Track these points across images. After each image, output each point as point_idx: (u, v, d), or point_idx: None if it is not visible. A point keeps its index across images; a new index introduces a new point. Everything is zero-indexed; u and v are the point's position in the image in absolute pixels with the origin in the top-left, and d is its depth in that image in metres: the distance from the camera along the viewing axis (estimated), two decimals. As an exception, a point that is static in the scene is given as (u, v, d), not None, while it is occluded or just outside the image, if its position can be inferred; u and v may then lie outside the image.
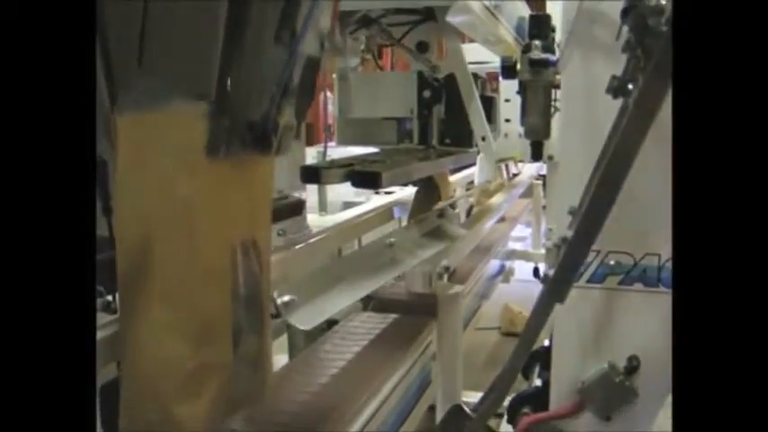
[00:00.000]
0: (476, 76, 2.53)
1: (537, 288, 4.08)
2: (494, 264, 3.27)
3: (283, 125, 1.10)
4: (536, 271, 3.96)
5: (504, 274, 3.42)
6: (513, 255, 3.55)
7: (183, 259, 1.04)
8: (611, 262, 1.46)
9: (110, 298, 1.34)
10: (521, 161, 3.25)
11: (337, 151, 2.67)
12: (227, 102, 1.01)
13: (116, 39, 1.04)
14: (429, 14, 2.21)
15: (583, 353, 1.50)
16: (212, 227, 1.05)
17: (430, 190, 2.47)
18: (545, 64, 1.70)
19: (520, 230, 3.90)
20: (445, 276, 1.64)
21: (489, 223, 2.46)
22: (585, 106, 1.46)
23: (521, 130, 2.94)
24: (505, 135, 2.90)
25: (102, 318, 1.32)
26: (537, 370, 2.01)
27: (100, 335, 1.20)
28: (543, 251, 3.60)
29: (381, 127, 2.49)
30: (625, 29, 1.24)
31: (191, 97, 1.00)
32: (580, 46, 1.45)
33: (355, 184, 1.65)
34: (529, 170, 3.46)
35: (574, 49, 1.45)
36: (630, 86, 1.20)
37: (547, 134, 1.81)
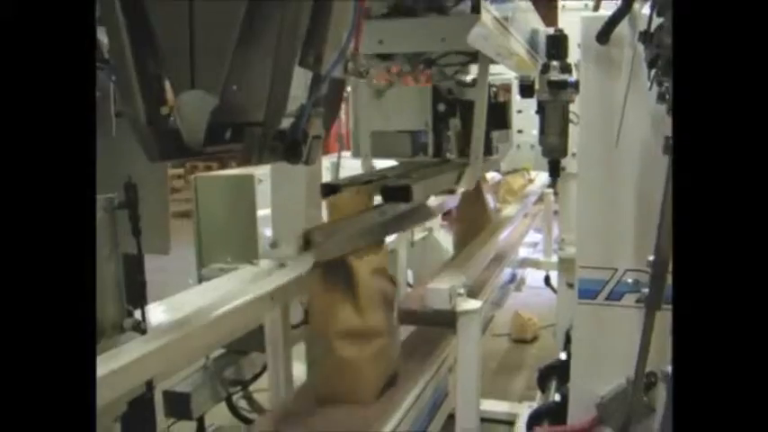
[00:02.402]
0: (489, 85, 2.55)
1: (545, 294, 4.10)
2: (506, 272, 3.29)
3: (312, 135, 1.13)
4: (547, 279, 4.00)
5: (516, 282, 3.43)
6: (524, 263, 3.57)
7: None
8: (629, 280, 1.49)
9: (139, 317, 1.37)
10: (531, 171, 3.28)
11: (348, 163, 2.71)
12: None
13: (168, 63, 1.09)
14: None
15: (600, 369, 1.53)
16: None
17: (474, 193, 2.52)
18: (564, 85, 1.72)
19: (530, 236, 3.92)
20: (464, 291, 1.67)
21: (505, 234, 2.48)
22: (602, 121, 1.49)
23: (533, 140, 2.98)
24: (518, 146, 2.93)
25: (131, 337, 1.36)
26: (554, 384, 2.03)
27: (131, 357, 1.24)
28: (554, 259, 3.64)
29: (396, 140, 2.52)
30: (641, 48, 1.28)
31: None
32: (597, 64, 1.48)
33: (387, 199, 1.68)
34: (540, 179, 3.48)
35: (590, 67, 1.49)
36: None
37: (564, 152, 1.84)
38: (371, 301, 1.57)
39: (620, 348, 1.52)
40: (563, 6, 3.01)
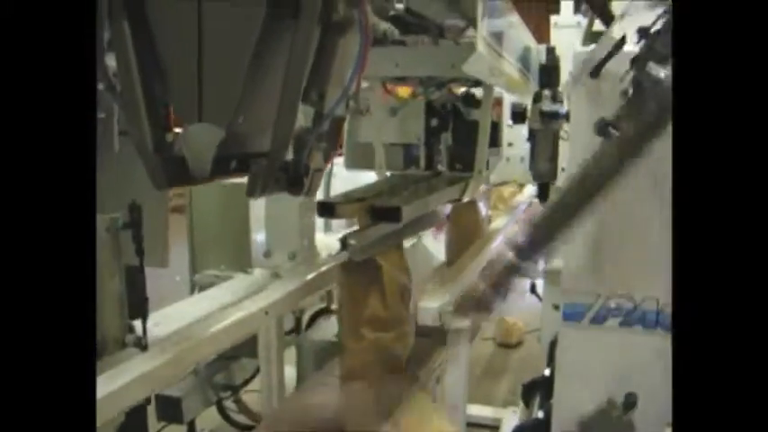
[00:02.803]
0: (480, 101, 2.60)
1: (530, 299, 4.12)
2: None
3: (314, 168, 1.18)
4: (533, 287, 4.06)
5: (502, 290, 3.50)
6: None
7: None
8: (612, 305, 1.55)
9: (140, 333, 1.42)
10: (521, 184, 3.34)
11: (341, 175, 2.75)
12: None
13: (174, 89, 1.13)
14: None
15: (583, 389, 1.59)
16: None
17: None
18: (555, 116, 1.78)
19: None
20: (453, 309, 1.72)
21: (495, 245, 2.53)
22: (590, 141, 1.54)
23: (523, 153, 3.03)
24: (507, 159, 2.98)
25: (132, 353, 1.41)
26: (538, 400, 2.09)
27: (133, 375, 1.28)
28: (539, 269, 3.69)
29: (388, 152, 2.57)
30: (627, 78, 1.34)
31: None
32: (588, 97, 1.53)
33: (375, 219, 1.73)
34: (528, 190, 3.54)
35: (581, 93, 1.54)
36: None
37: (554, 177, 1.90)
38: (394, 294, 1.75)
39: (602, 370, 1.58)
40: (555, 23, 3.07)
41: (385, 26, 1.19)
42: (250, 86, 1.10)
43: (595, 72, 1.44)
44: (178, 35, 1.12)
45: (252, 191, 1.08)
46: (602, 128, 1.29)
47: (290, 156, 1.16)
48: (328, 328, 2.48)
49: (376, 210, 1.72)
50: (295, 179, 1.13)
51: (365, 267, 1.74)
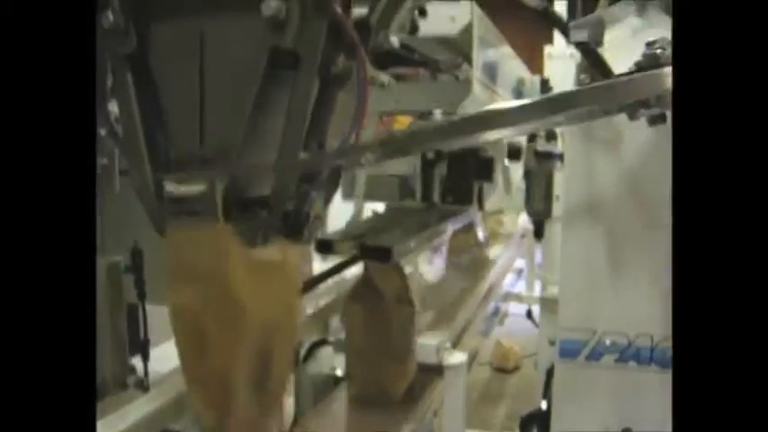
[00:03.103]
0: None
1: (526, 323, 4.16)
2: (491, 305, 3.37)
3: (314, 216, 1.20)
4: (529, 313, 4.08)
5: (499, 316, 3.51)
6: (507, 297, 3.65)
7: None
8: (608, 342, 1.57)
9: (142, 374, 1.44)
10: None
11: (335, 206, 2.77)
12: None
13: (175, 135, 1.15)
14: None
15: (580, 424, 1.61)
16: (256, 324, 1.15)
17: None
18: (549, 156, 1.81)
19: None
20: (450, 345, 1.75)
21: (492, 274, 2.57)
22: (586, 168, 1.56)
23: (518, 182, 3.06)
24: (504, 188, 3.01)
25: (135, 395, 1.43)
26: (535, 433, 2.11)
27: (136, 416, 1.30)
28: (536, 294, 3.71)
29: (385, 183, 2.60)
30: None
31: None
32: (582, 140, 1.56)
33: (365, 258, 1.75)
34: (523, 218, 3.58)
35: (576, 143, 1.57)
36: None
37: (548, 215, 1.93)
38: (400, 324, 1.82)
39: (599, 405, 1.60)
40: (549, 54, 3.11)
41: (384, 78, 1.20)
42: (251, 135, 1.11)
43: (588, 112, 1.46)
44: (180, 85, 1.14)
45: (252, 240, 1.10)
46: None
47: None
48: (326, 360, 2.49)
49: (367, 249, 1.74)
50: (295, 227, 1.14)
51: (371, 297, 1.81)
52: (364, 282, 1.86)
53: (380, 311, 1.81)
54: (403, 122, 2.77)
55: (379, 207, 2.87)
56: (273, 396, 1.23)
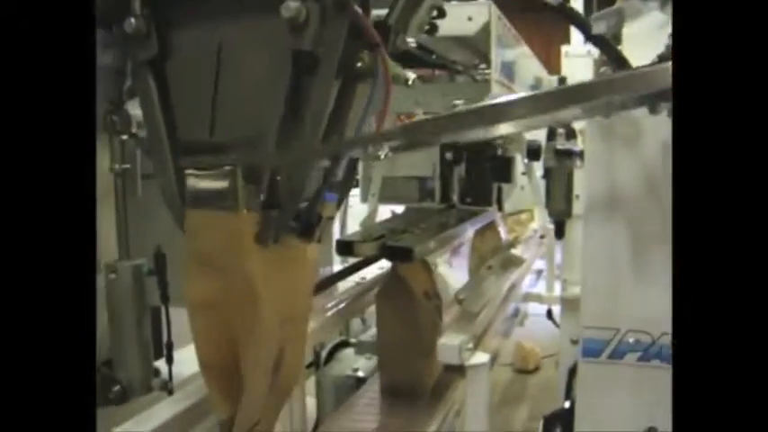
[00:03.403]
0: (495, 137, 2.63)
1: (547, 323, 4.14)
2: (511, 306, 3.36)
3: (326, 217, 1.20)
4: (549, 313, 4.06)
5: (519, 317, 3.51)
6: (527, 297, 3.64)
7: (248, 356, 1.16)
8: (631, 340, 1.56)
9: (166, 377, 1.45)
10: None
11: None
12: (277, 194, 1.11)
13: (187, 134, 1.15)
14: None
15: (604, 423, 1.60)
16: (268, 317, 1.15)
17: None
18: (569, 154, 1.80)
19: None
20: (472, 345, 1.75)
21: (514, 276, 2.56)
22: (606, 165, 1.55)
23: (538, 181, 3.06)
24: (522, 188, 3.00)
25: (159, 397, 1.43)
26: (559, 432, 2.10)
27: (161, 419, 1.30)
28: (556, 294, 3.70)
29: (404, 185, 2.60)
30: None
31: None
32: (602, 137, 1.56)
33: (388, 259, 1.76)
34: (542, 218, 3.57)
35: (596, 140, 1.56)
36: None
37: (569, 215, 1.92)
38: (427, 321, 1.95)
39: (623, 404, 1.59)
40: (566, 53, 3.10)
41: (408, 75, 1.20)
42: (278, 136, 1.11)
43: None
44: (198, 88, 1.14)
45: (264, 239, 1.10)
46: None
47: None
48: (347, 362, 2.50)
49: (388, 250, 1.75)
50: (306, 228, 1.15)
51: (400, 292, 1.91)
52: (393, 277, 1.95)
53: (410, 306, 1.92)
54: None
55: (394, 210, 2.89)
56: (282, 392, 1.24)
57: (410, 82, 1.16)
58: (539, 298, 3.75)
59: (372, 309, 2.48)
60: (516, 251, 2.88)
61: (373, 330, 2.79)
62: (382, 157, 1.25)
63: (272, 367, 1.19)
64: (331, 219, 1.23)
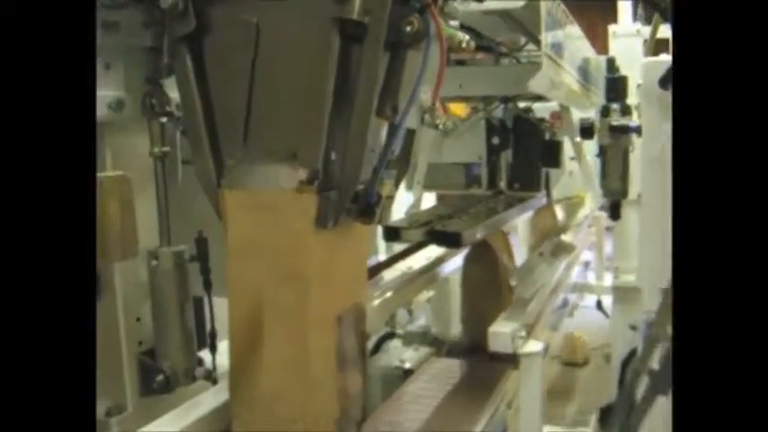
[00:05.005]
0: (542, 119, 2.56)
1: (595, 314, 4.04)
2: (560, 297, 3.28)
3: (385, 196, 1.15)
4: (599, 304, 3.97)
5: (569, 307, 3.42)
6: (576, 287, 3.55)
7: (293, 336, 1.11)
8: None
9: (210, 366, 1.41)
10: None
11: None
12: (334, 175, 1.07)
13: (223, 113, 1.12)
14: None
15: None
16: (321, 302, 1.11)
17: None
18: (625, 130, 1.73)
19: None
20: (525, 333, 1.68)
21: (564, 263, 2.48)
22: (663, 155, 1.48)
23: (589, 165, 2.97)
24: (570, 173, 2.91)
25: (203, 386, 1.40)
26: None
27: (204, 409, 1.27)
28: (605, 283, 3.61)
29: (450, 172, 2.54)
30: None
31: (299, 171, 1.06)
32: (659, 108, 1.48)
33: (437, 243, 1.71)
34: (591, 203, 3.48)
35: (653, 111, 1.49)
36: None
37: (625, 195, 1.84)
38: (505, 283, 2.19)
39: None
40: (614, 32, 3.00)
41: (461, 36, 1.14)
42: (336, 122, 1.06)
43: (665, 82, 1.38)
44: (240, 70, 1.10)
45: (323, 222, 1.06)
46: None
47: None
48: (394, 353, 2.45)
49: (436, 235, 1.70)
50: (366, 209, 1.09)
51: (485, 258, 2.20)
52: (480, 244, 2.17)
53: (493, 269, 2.21)
54: (460, 110, 2.71)
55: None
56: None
57: (464, 44, 1.09)
58: (589, 288, 3.65)
59: (418, 299, 2.44)
60: (566, 237, 2.80)
61: (420, 322, 2.75)
62: (441, 127, 1.18)
63: (337, 360, 1.15)
64: (391, 198, 1.18)
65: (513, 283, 2.17)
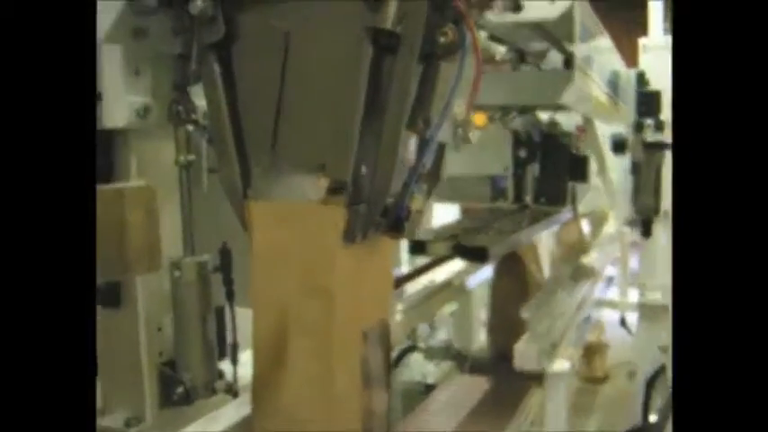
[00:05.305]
0: (568, 133, 2.52)
1: (617, 330, 3.99)
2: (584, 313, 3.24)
3: (415, 210, 1.12)
4: (623, 321, 3.91)
5: (591, 325, 3.38)
6: (600, 303, 3.50)
7: (317, 351, 1.08)
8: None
9: (231, 379, 1.38)
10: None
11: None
12: (363, 188, 1.04)
13: (250, 122, 1.10)
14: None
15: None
16: (347, 317, 1.08)
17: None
18: (659, 147, 1.69)
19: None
20: (552, 350, 1.64)
21: (584, 290, 2.44)
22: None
23: (613, 181, 2.93)
24: (595, 188, 2.87)
25: (224, 400, 1.37)
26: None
27: (225, 424, 1.25)
28: (630, 300, 3.55)
29: (475, 184, 2.51)
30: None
31: (327, 183, 1.03)
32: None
33: (462, 258, 1.68)
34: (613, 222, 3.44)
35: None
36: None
37: (657, 212, 1.81)
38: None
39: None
40: (644, 46, 2.96)
41: (499, 49, 1.12)
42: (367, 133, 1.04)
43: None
44: (269, 76, 1.08)
45: (351, 236, 1.03)
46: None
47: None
48: (415, 367, 2.42)
49: (463, 249, 1.67)
50: (396, 223, 1.07)
51: (515, 268, 2.27)
52: (511, 255, 2.24)
53: (522, 279, 2.29)
54: (480, 119, 2.67)
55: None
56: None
57: (497, 57, 1.07)
58: (613, 304, 3.60)
59: (440, 312, 2.41)
60: (589, 257, 2.76)
61: (441, 336, 2.71)
62: (473, 140, 1.16)
63: (362, 377, 1.12)
64: (420, 212, 1.15)
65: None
